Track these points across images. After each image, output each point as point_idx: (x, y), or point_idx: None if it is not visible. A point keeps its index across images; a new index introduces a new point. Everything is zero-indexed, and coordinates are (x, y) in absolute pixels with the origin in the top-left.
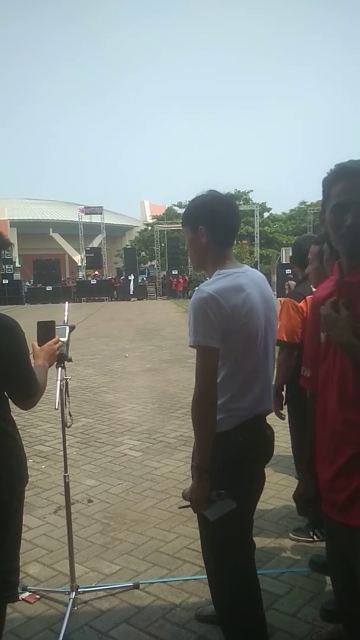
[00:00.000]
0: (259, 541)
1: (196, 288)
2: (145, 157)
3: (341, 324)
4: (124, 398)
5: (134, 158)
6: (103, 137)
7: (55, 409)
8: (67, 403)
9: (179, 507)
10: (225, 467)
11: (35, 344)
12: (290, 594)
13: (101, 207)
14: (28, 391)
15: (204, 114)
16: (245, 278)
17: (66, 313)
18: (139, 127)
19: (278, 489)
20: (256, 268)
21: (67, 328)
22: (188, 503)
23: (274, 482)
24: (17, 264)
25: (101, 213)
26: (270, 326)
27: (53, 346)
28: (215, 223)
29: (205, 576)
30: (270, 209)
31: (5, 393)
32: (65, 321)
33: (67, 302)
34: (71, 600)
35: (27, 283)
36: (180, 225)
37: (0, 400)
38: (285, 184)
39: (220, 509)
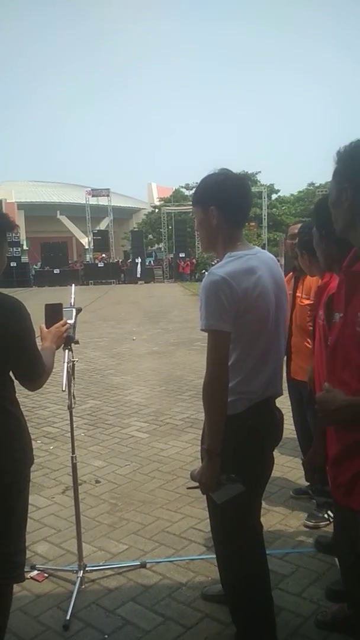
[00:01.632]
0: (265, 522)
1: (205, 272)
2: (152, 139)
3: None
4: (131, 380)
5: (142, 140)
6: (110, 119)
7: (63, 390)
8: (73, 384)
9: (187, 488)
10: (235, 450)
11: (43, 326)
12: (295, 574)
13: (108, 189)
14: (34, 372)
15: (212, 94)
16: (256, 260)
17: (73, 296)
18: (147, 109)
19: (284, 470)
20: None
21: (74, 310)
22: (196, 484)
23: (280, 464)
24: (25, 247)
25: (108, 195)
26: (281, 308)
27: (60, 328)
28: (226, 204)
29: (212, 556)
30: (278, 190)
31: (11, 374)
32: (72, 304)
33: (73, 285)
34: (79, 578)
35: (35, 266)
36: (187, 207)
37: (5, 381)
38: (293, 165)
39: (228, 492)
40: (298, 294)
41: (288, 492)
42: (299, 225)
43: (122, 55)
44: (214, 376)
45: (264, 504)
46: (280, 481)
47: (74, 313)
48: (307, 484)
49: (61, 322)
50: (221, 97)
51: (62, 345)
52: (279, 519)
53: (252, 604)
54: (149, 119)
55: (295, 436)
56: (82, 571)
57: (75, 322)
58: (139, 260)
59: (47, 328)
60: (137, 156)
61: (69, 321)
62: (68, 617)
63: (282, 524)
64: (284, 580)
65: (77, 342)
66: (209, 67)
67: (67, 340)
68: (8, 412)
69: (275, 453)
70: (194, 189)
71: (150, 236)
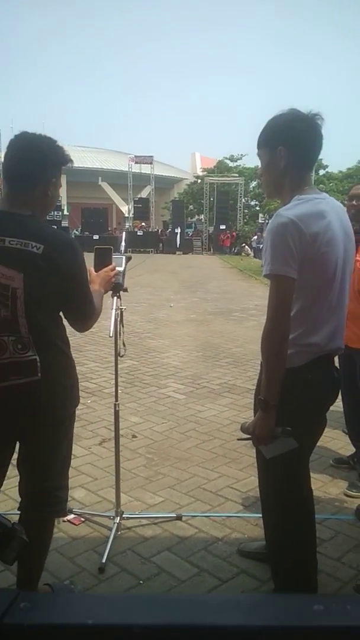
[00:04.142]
0: None
1: (245, 245)
2: (198, 107)
3: None
4: (168, 344)
5: (187, 108)
6: (156, 86)
7: (110, 337)
8: (121, 332)
9: (238, 439)
10: (291, 404)
11: (92, 269)
12: (334, 540)
13: (151, 156)
14: (85, 312)
15: (258, 63)
16: (326, 204)
17: (123, 243)
18: (193, 76)
19: (324, 440)
20: None
21: (124, 258)
22: (247, 436)
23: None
24: (65, 212)
25: (151, 163)
26: (348, 259)
27: (109, 273)
28: (296, 143)
29: (249, 514)
30: (326, 166)
31: (61, 313)
32: (122, 251)
33: (124, 232)
34: (115, 524)
35: (75, 231)
36: (231, 179)
37: (56, 320)
38: (344, 140)
39: (280, 447)
40: (358, 258)
41: (328, 461)
42: None
43: (167, 21)
44: (274, 325)
45: None
46: (320, 450)
47: (124, 260)
48: (349, 453)
49: (110, 267)
50: (269, 66)
51: (111, 291)
52: (318, 486)
53: (296, 565)
54: (196, 87)
55: (339, 408)
56: (118, 517)
57: (124, 269)
58: (178, 230)
59: (95, 272)
60: (182, 125)
61: (118, 268)
62: (104, 561)
63: (322, 491)
64: (322, 544)
65: (125, 290)
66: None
67: (116, 287)
68: (60, 349)
69: None
70: (261, 131)
71: (190, 207)
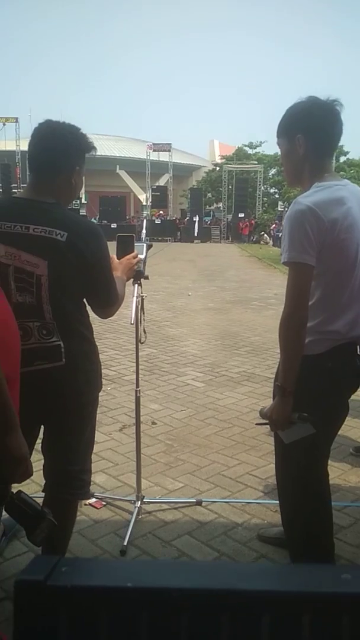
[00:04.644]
0: None
1: (264, 233)
2: (216, 94)
3: None
4: (187, 333)
5: (205, 95)
6: (174, 73)
7: (131, 324)
8: (142, 320)
9: (256, 424)
10: (310, 391)
11: (114, 256)
12: (354, 526)
13: (170, 144)
14: (108, 299)
15: (277, 48)
16: (346, 191)
17: (144, 231)
18: (212, 64)
19: (345, 429)
20: None
21: (145, 246)
22: (265, 421)
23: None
24: (84, 200)
25: (169, 150)
26: None
27: (132, 260)
28: (314, 130)
29: (269, 501)
30: (347, 152)
31: (85, 300)
32: (143, 238)
33: (145, 220)
34: (136, 508)
35: (93, 219)
36: (250, 166)
37: (79, 305)
38: None
39: (298, 432)
40: None
41: (348, 450)
42: None
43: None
44: (291, 311)
45: None
46: (340, 439)
47: (145, 248)
48: None
49: (132, 255)
50: (289, 51)
51: (132, 279)
52: (338, 474)
53: (313, 551)
54: (215, 73)
55: (356, 397)
56: (139, 502)
57: (145, 257)
58: (196, 218)
59: (118, 259)
60: (201, 112)
61: (140, 255)
62: (125, 543)
63: (341, 479)
64: (342, 531)
65: (146, 278)
66: (277, 20)
67: (137, 275)
68: (83, 335)
69: None
70: (279, 120)
71: (209, 195)
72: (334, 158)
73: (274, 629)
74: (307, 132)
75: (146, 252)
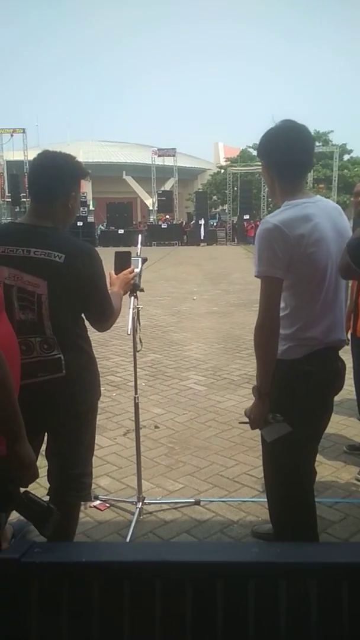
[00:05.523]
0: (317, 473)
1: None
2: (220, 96)
3: None
4: (191, 337)
5: (209, 98)
6: (177, 77)
7: (128, 334)
8: (138, 329)
9: (239, 422)
10: (286, 393)
11: (112, 272)
12: (344, 522)
13: (174, 149)
14: (104, 314)
15: (281, 49)
16: (314, 208)
17: (139, 246)
18: (214, 65)
19: (339, 427)
20: None
21: (140, 260)
22: (247, 420)
23: (336, 422)
24: (91, 207)
25: (174, 155)
26: None
27: (128, 275)
28: (279, 159)
29: (263, 499)
30: (351, 150)
31: (83, 315)
32: (139, 253)
33: (140, 235)
34: (138, 509)
35: (101, 226)
36: (254, 167)
37: (78, 321)
38: None
39: (276, 431)
40: None
41: (341, 448)
42: None
43: (187, 11)
44: (264, 320)
45: (317, 457)
46: (334, 437)
47: (140, 262)
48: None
49: (129, 270)
50: (293, 51)
51: (129, 292)
52: (330, 471)
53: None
54: (218, 76)
55: (353, 396)
56: (140, 503)
57: (141, 270)
58: (202, 221)
59: (115, 274)
60: (205, 115)
61: (135, 269)
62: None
63: (334, 476)
64: (332, 526)
65: (142, 290)
66: (278, 17)
67: (133, 288)
68: (81, 348)
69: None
70: None
71: (214, 197)
72: (338, 157)
73: (195, 593)
74: (274, 159)
75: (142, 266)
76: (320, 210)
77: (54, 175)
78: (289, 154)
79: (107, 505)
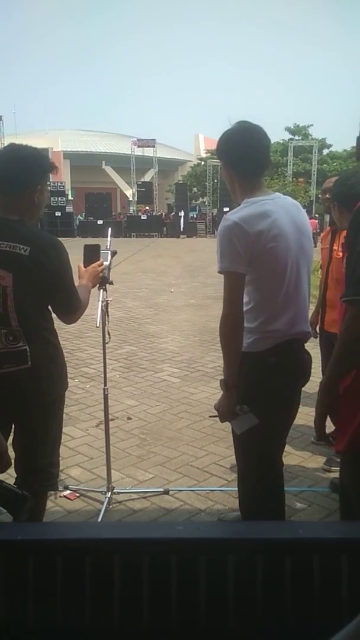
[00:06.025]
0: (285, 462)
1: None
2: (201, 88)
3: None
4: (167, 330)
5: (189, 89)
6: (158, 67)
7: (97, 327)
8: (107, 322)
9: (209, 417)
10: (253, 385)
11: (81, 265)
12: (308, 510)
13: (154, 139)
14: (70, 306)
15: (261, 42)
16: (272, 205)
17: (109, 239)
18: (195, 58)
19: (307, 419)
20: (310, 208)
21: (110, 253)
22: (216, 413)
23: (304, 414)
24: (70, 197)
25: (154, 146)
26: (303, 251)
27: (97, 268)
28: (236, 159)
29: (231, 488)
30: (330, 145)
31: (50, 307)
32: (108, 246)
33: (110, 228)
34: (107, 499)
35: (80, 216)
36: None
37: (44, 313)
38: (349, 118)
39: (244, 423)
40: (335, 247)
41: (309, 439)
42: (334, 179)
43: (169, 3)
44: (228, 314)
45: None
46: (303, 428)
47: (110, 255)
48: (329, 431)
49: (98, 263)
50: (273, 44)
51: (98, 284)
52: (298, 461)
53: None
54: (198, 68)
55: None
56: (110, 492)
57: (110, 263)
58: (182, 213)
59: (84, 267)
60: (185, 107)
61: (105, 262)
62: None
63: (301, 466)
64: (296, 514)
65: (111, 283)
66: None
67: (102, 281)
68: (47, 340)
69: (300, 404)
70: None
71: (194, 189)
72: (317, 151)
73: (123, 567)
74: (231, 159)
75: (111, 259)
76: (279, 207)
77: (20, 168)
78: (245, 152)
79: (77, 494)
